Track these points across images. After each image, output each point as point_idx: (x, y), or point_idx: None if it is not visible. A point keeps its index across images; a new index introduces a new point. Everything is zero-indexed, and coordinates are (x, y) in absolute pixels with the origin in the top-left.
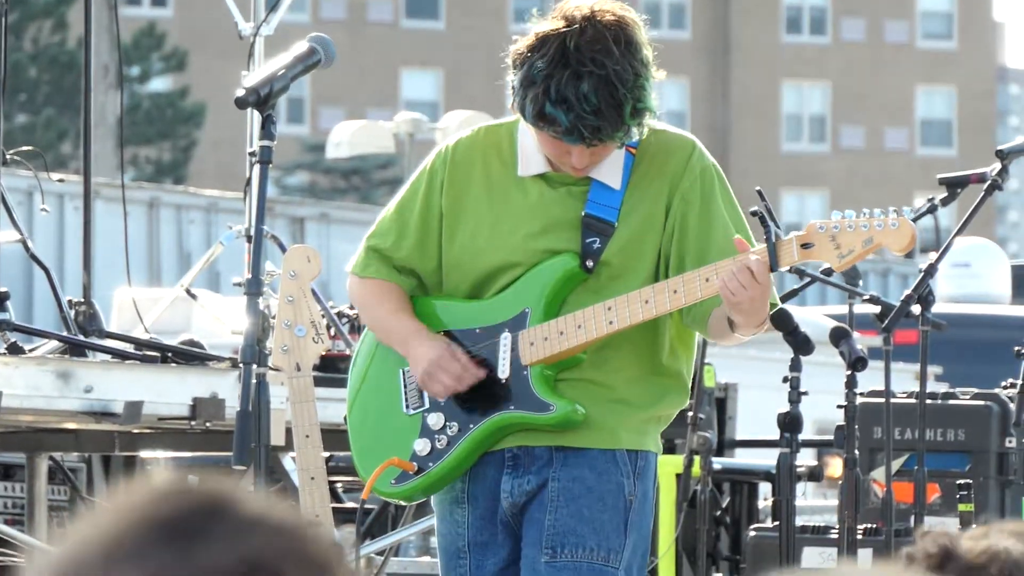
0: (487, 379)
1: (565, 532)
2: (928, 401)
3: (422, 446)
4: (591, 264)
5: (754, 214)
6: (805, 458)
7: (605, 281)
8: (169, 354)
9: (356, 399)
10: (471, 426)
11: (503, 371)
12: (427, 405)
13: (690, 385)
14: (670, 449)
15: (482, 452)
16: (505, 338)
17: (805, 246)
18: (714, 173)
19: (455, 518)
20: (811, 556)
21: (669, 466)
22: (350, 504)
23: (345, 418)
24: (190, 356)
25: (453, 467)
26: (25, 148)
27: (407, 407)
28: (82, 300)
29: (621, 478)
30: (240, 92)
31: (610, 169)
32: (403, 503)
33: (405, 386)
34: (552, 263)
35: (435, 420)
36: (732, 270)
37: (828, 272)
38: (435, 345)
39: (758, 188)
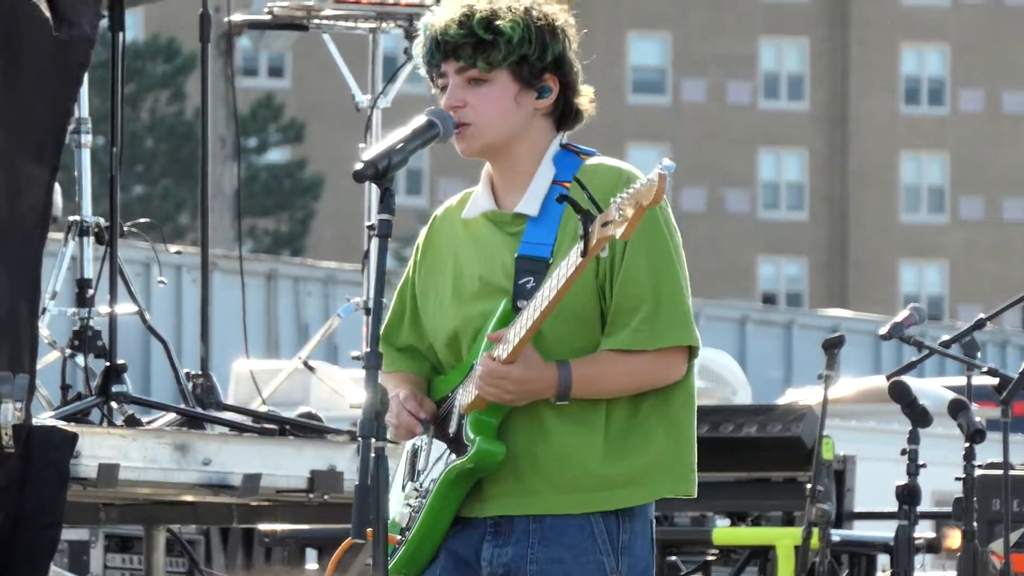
0: (448, 440)
1: None
2: None
3: (401, 517)
4: (523, 304)
5: (561, 200)
6: (923, 530)
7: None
8: (287, 427)
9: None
10: (432, 486)
11: (452, 427)
12: (409, 476)
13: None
14: (788, 521)
15: (450, 514)
16: (454, 395)
17: (605, 224)
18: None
19: (432, 568)
20: None
21: (788, 538)
22: None
23: None
24: (308, 429)
25: (425, 532)
26: (142, 220)
27: (403, 482)
28: (200, 372)
29: (600, 556)
30: (358, 166)
31: (530, 199)
32: None
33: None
34: (494, 315)
35: (410, 489)
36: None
37: (946, 344)
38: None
39: (576, 176)
